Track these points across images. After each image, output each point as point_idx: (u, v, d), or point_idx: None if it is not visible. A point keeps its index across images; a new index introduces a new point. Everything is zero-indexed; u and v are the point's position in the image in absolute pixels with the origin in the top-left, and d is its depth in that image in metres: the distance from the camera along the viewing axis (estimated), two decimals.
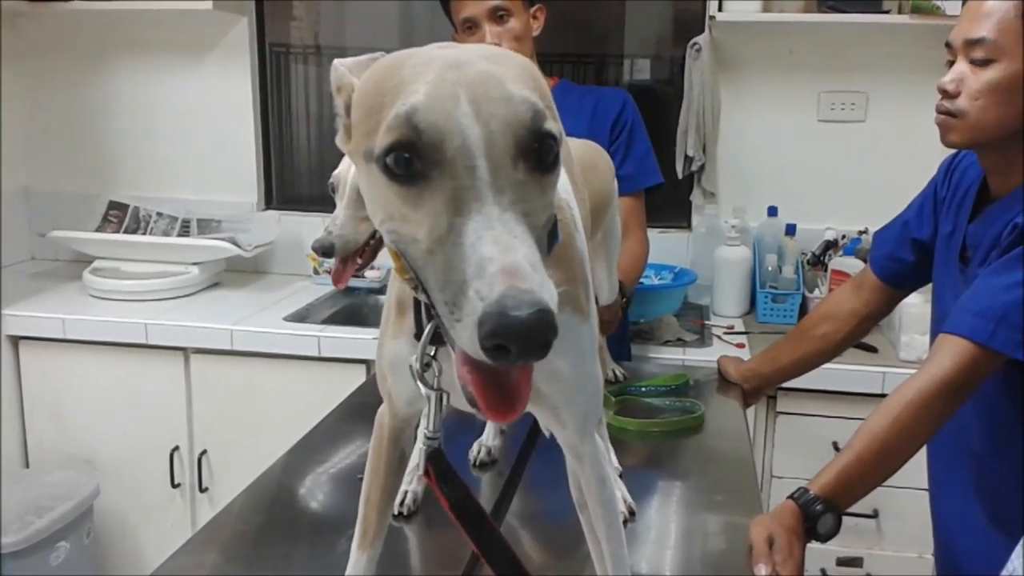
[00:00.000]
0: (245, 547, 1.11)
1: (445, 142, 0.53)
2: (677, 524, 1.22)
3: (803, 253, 2.51)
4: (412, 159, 0.54)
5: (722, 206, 2.65)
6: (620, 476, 1.29)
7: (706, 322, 2.46)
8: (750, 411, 1.93)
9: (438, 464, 0.73)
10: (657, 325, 2.35)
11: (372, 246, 1.18)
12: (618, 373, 1.74)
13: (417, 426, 0.87)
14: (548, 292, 0.50)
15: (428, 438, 0.72)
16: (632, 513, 1.20)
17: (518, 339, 0.48)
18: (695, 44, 2.42)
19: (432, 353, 0.69)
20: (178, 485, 2.39)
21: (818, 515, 1.12)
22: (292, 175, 3.06)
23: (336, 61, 0.66)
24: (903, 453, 1.15)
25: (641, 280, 2.35)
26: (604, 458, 0.83)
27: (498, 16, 1.84)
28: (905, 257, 1.47)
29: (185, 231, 2.83)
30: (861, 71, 2.52)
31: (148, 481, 2.40)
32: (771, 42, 2.55)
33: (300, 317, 2.41)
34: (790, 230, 2.50)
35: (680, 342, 2.29)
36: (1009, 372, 1.17)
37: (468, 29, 1.86)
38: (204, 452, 2.36)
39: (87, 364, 2.38)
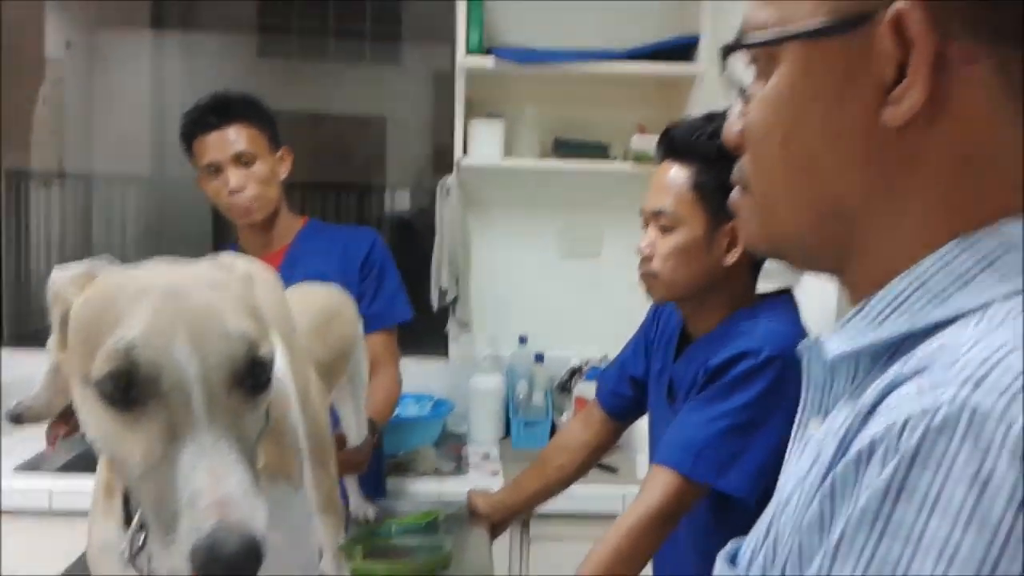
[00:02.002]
0: None
1: (162, 376, 0.56)
2: None
3: (551, 379, 2.65)
4: (129, 388, 0.56)
5: (476, 336, 2.76)
6: None
7: (463, 449, 2.52)
8: (505, 538, 1.99)
9: None
10: (415, 456, 2.38)
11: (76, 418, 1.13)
12: (370, 514, 1.74)
13: None
14: (259, 516, 0.54)
15: None
16: None
17: (228, 571, 0.51)
18: (443, 185, 2.56)
19: (143, 539, 0.69)
20: None
21: None
22: (27, 308, 2.87)
23: (54, 272, 0.67)
24: None
25: (398, 413, 2.38)
26: None
27: (243, 161, 1.86)
28: (625, 392, 1.61)
29: None
30: (594, 211, 2.76)
31: None
32: (513, 184, 2.74)
33: (32, 466, 2.23)
34: (538, 358, 2.64)
35: (437, 472, 2.33)
36: (712, 497, 1.30)
37: (212, 173, 1.86)
38: None
39: None
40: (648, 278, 1.38)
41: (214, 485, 0.53)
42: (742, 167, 0.60)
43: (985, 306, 0.47)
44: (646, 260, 1.37)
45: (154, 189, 3.25)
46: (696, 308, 1.39)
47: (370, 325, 1.93)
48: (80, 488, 2.06)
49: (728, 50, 0.59)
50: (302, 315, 1.21)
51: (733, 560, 0.59)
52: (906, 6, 0.48)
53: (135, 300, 0.58)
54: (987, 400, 0.40)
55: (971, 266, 0.49)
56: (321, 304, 1.37)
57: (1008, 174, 0.50)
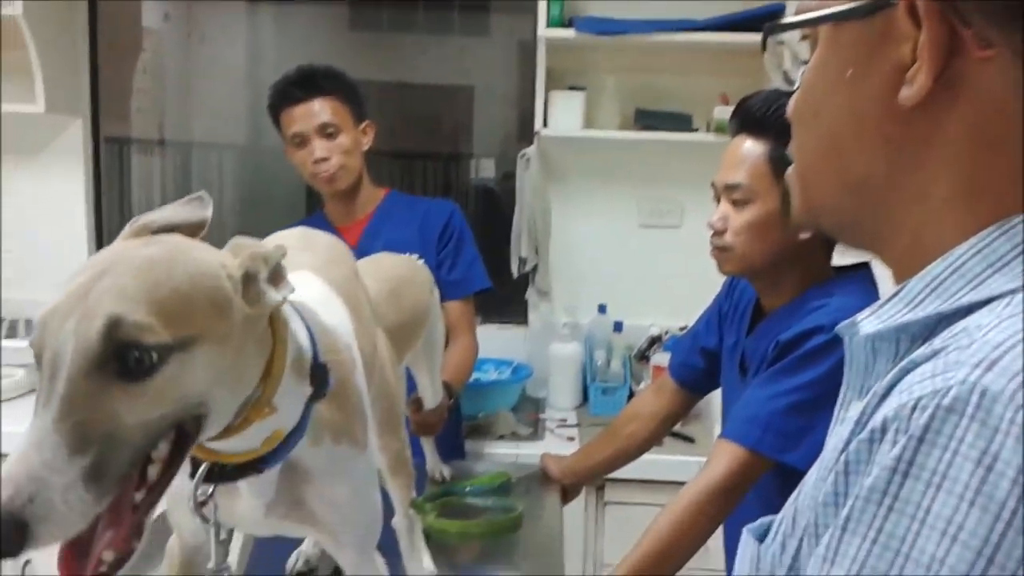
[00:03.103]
0: None
1: (44, 352, 0.60)
2: None
3: (630, 348, 2.66)
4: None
5: (555, 304, 2.79)
6: None
7: (540, 415, 2.56)
8: (580, 501, 2.02)
9: None
10: (494, 420, 2.43)
11: None
12: (444, 473, 1.80)
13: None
14: (39, 502, 0.54)
15: (213, 573, 0.76)
16: None
17: None
18: (524, 155, 2.58)
19: (211, 490, 0.74)
20: None
21: None
22: None
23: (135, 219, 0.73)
24: (685, 552, 1.27)
25: (478, 377, 2.44)
26: None
27: (327, 132, 1.91)
28: (697, 364, 1.62)
29: (12, 333, 2.73)
30: (675, 181, 2.74)
31: None
32: (593, 155, 2.74)
33: None
34: (617, 327, 2.65)
35: (515, 436, 2.38)
36: (780, 471, 1.30)
37: (298, 144, 1.93)
38: None
39: None
40: (720, 252, 1.38)
41: (11, 463, 0.55)
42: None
43: (1015, 291, 0.47)
44: (718, 234, 1.37)
45: (250, 157, 3.36)
46: (769, 283, 1.39)
47: (448, 293, 1.98)
48: None
49: (768, 31, 0.60)
50: (376, 282, 1.26)
51: (763, 535, 0.60)
52: None
53: (76, 275, 0.62)
54: (997, 383, 0.41)
55: (1007, 251, 0.49)
56: (394, 272, 1.41)
57: None
